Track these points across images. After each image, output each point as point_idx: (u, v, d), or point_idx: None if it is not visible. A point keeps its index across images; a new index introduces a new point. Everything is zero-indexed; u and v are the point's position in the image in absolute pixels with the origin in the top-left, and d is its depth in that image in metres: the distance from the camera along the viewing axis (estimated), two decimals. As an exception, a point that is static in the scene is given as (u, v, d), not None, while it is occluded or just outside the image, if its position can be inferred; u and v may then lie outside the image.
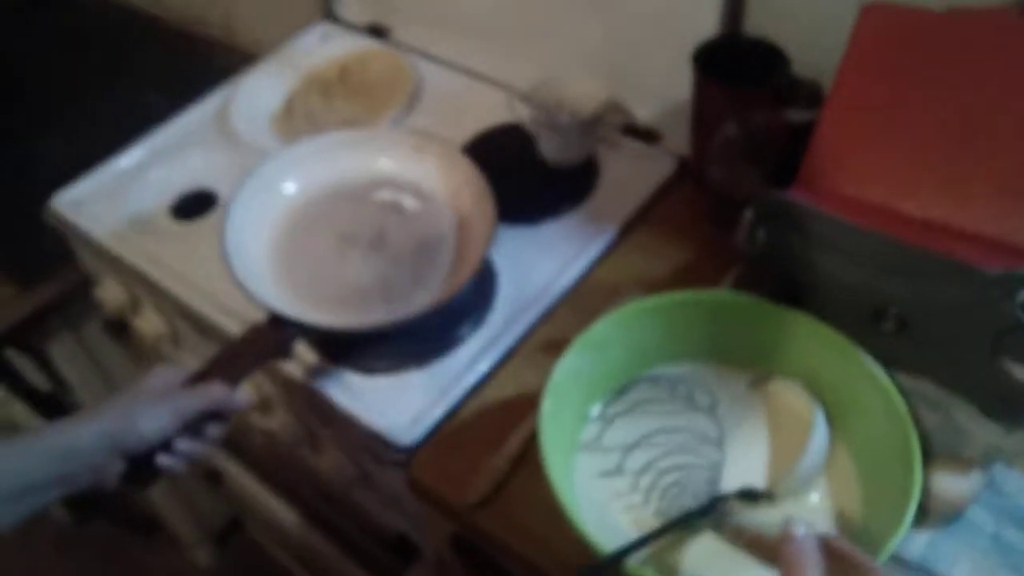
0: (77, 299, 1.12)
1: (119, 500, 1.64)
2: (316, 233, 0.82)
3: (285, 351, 0.73)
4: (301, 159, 0.85)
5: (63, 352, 1.19)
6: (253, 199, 0.81)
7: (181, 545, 1.62)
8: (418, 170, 0.84)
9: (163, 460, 0.64)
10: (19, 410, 1.41)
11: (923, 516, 0.58)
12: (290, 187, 0.84)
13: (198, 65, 1.38)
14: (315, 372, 0.78)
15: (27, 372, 1.31)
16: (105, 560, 1.69)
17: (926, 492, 0.59)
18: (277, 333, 0.71)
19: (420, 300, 0.76)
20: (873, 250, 0.62)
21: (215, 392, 0.66)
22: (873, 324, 0.64)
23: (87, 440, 0.61)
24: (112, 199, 0.99)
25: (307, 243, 0.81)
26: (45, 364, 1.23)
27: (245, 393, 0.68)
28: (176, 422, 0.63)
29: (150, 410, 0.63)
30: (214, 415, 0.66)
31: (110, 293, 1.03)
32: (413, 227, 0.81)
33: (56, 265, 1.12)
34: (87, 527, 1.71)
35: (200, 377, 0.67)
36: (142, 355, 1.12)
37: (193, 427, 0.65)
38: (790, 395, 0.67)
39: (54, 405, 1.37)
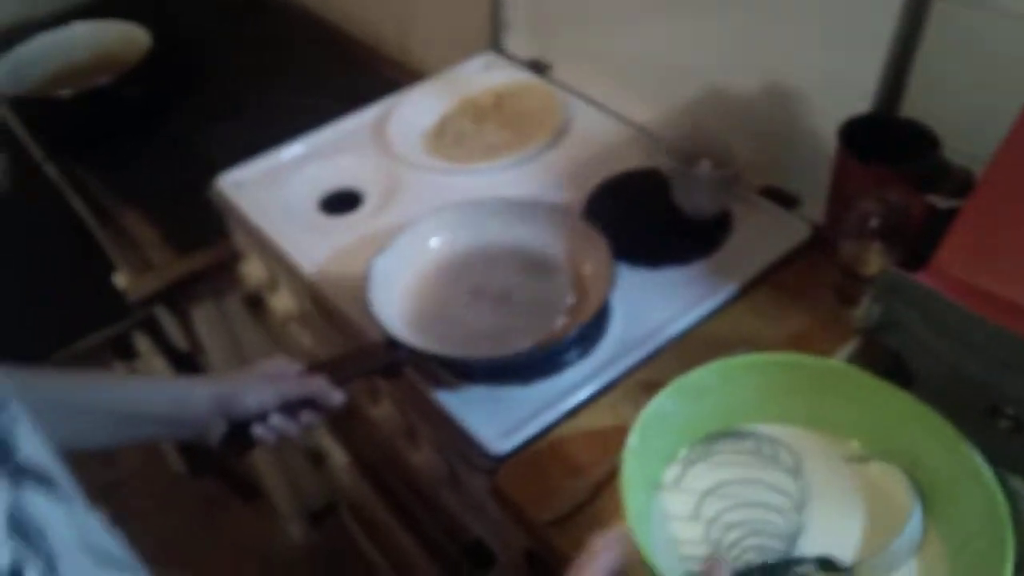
0: (224, 271, 1.22)
1: (231, 460, 1.74)
2: (450, 284, 0.90)
3: (394, 371, 0.81)
4: (453, 218, 0.93)
5: (204, 317, 1.29)
6: (403, 248, 0.90)
7: (278, 516, 1.70)
8: (550, 238, 0.91)
9: (258, 430, 0.74)
10: (158, 364, 1.53)
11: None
12: (435, 242, 0.93)
13: (371, 78, 1.48)
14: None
15: (171, 330, 1.43)
16: (208, 513, 1.81)
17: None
18: (390, 353, 0.79)
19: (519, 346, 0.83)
20: (997, 344, 0.60)
21: (317, 385, 0.75)
22: (986, 420, 0.62)
23: (199, 395, 0.72)
24: (269, 186, 1.08)
25: (440, 291, 0.89)
26: (187, 326, 1.33)
27: (341, 394, 0.76)
28: (277, 401, 0.73)
29: (257, 387, 0.73)
30: (311, 404, 0.75)
31: (252, 270, 1.12)
32: (537, 289, 0.88)
33: (211, 238, 1.22)
34: (199, 478, 1.83)
35: (311, 370, 0.76)
36: (271, 330, 1.20)
37: (291, 410, 0.74)
38: (889, 479, 0.66)
39: (188, 364, 1.48)
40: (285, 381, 0.74)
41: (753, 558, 0.62)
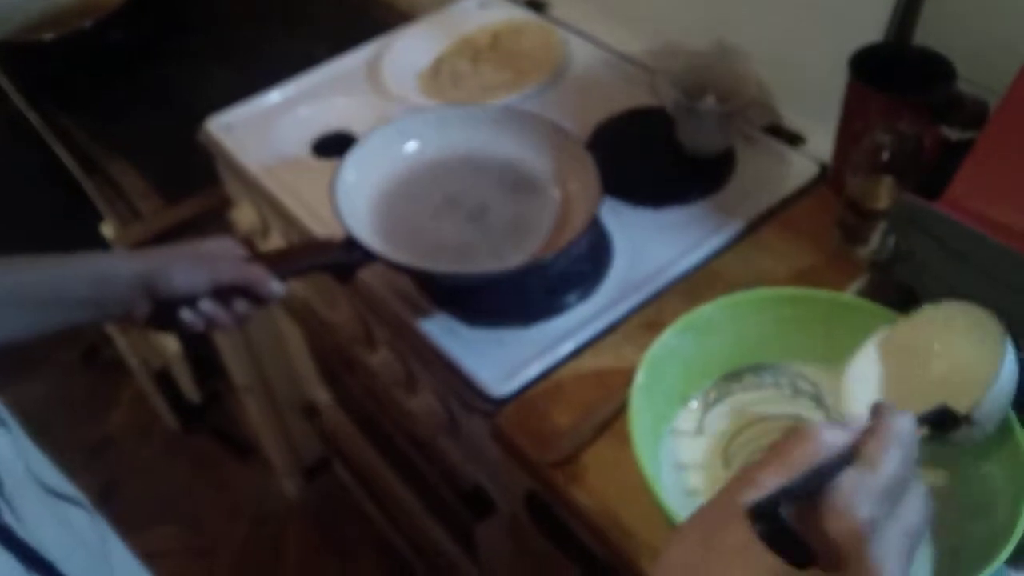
0: (214, 219, 1.18)
1: (223, 417, 1.73)
2: (425, 190, 0.85)
3: (346, 271, 0.76)
4: (435, 122, 0.88)
5: (195, 268, 1.26)
6: (376, 147, 0.85)
7: (272, 471, 1.69)
8: (536, 155, 0.86)
9: (184, 314, 0.68)
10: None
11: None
12: (412, 146, 0.87)
13: (362, 20, 1.44)
14: (423, 314, 0.80)
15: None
16: (203, 470, 1.80)
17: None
18: (345, 252, 0.74)
19: (487, 267, 0.79)
20: (1015, 272, 0.58)
21: (253, 272, 0.70)
22: (1002, 352, 0.61)
23: (123, 274, 0.66)
24: (260, 129, 1.05)
25: (414, 197, 0.84)
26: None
27: (280, 285, 0.71)
28: (207, 285, 0.68)
29: (188, 266, 0.68)
30: (247, 293, 0.70)
31: (244, 216, 1.09)
32: (518, 208, 0.83)
33: (201, 186, 1.19)
34: (191, 435, 1.82)
35: (254, 258, 0.71)
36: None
37: (224, 296, 0.69)
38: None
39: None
40: (220, 264, 0.69)
41: None
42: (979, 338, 0.58)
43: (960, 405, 0.54)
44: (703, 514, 0.41)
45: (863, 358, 0.62)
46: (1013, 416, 0.57)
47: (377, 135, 0.85)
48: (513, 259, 0.78)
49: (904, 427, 0.42)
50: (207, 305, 0.69)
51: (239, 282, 0.69)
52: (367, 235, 0.77)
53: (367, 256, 0.75)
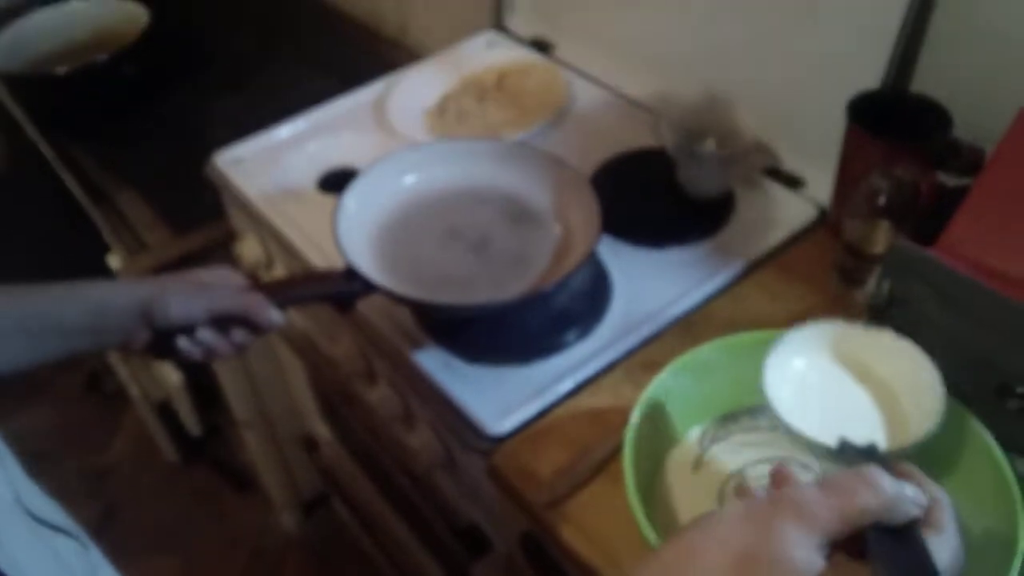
0: (219, 252, 1.20)
1: (223, 449, 1.73)
2: (428, 222, 0.85)
3: (346, 302, 0.77)
4: (430, 156, 0.89)
5: (199, 300, 1.27)
6: (377, 179, 0.85)
7: (271, 505, 1.69)
8: (537, 188, 0.86)
9: (182, 342, 0.68)
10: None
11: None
12: (411, 178, 0.88)
13: (370, 58, 1.46)
14: (422, 350, 0.81)
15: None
16: (202, 502, 1.79)
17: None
18: (345, 282, 0.74)
19: (487, 297, 0.79)
20: (1009, 320, 0.59)
21: (251, 301, 0.69)
22: (996, 400, 0.61)
23: (120, 303, 0.66)
24: (268, 163, 1.06)
25: (418, 225, 0.85)
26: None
27: (280, 315, 0.71)
28: (205, 314, 0.68)
29: (185, 295, 0.68)
30: (246, 322, 0.70)
31: (248, 249, 1.10)
32: (519, 241, 0.83)
33: (207, 219, 1.20)
34: (191, 467, 1.82)
35: (253, 287, 0.71)
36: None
37: (223, 325, 0.69)
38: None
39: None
40: (218, 292, 0.69)
41: None
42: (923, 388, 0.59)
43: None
44: (732, 529, 0.41)
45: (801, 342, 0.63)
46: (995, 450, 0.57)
47: (378, 167, 0.86)
48: (513, 290, 0.79)
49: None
50: (205, 334, 0.69)
51: (237, 311, 0.69)
52: (368, 266, 0.77)
53: (367, 287, 0.74)
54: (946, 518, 0.45)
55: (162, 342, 0.68)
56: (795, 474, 0.46)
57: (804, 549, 0.40)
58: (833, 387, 0.62)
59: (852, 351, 0.63)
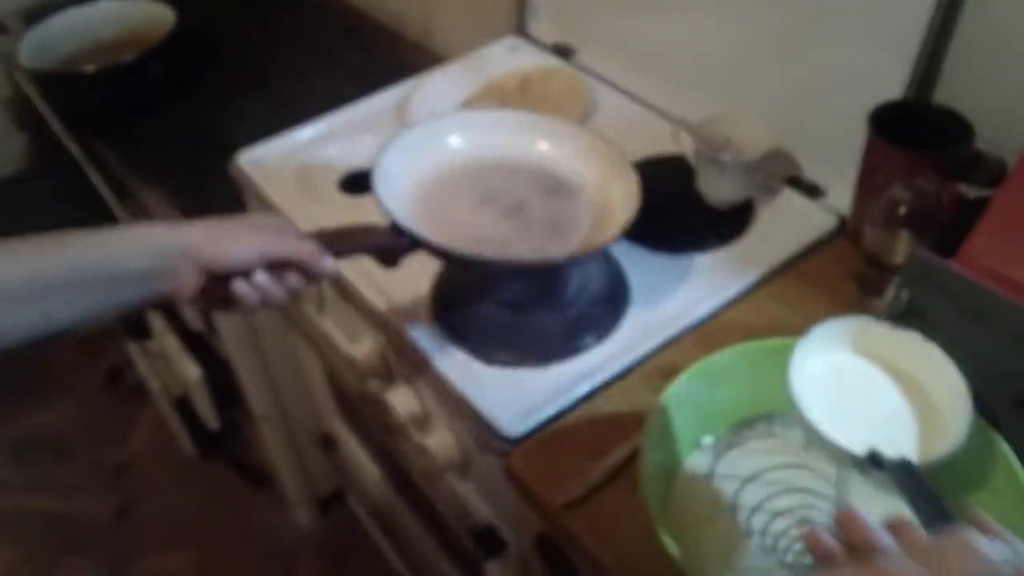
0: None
1: (240, 445, 1.75)
2: (463, 186, 0.85)
3: (394, 256, 0.76)
4: (477, 123, 0.89)
5: (220, 297, 1.29)
6: (421, 137, 0.86)
7: (286, 502, 1.70)
8: (582, 164, 0.86)
9: (240, 286, 0.66)
10: (172, 343, 1.53)
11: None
12: (455, 141, 0.88)
13: (394, 62, 1.47)
14: (440, 351, 0.82)
15: (185, 310, 1.43)
16: (218, 497, 1.81)
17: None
18: (392, 237, 0.74)
19: (531, 256, 0.79)
20: (1026, 331, 0.59)
21: (307, 247, 0.68)
22: (1014, 411, 0.61)
23: (177, 243, 0.63)
24: (289, 164, 1.07)
25: (451, 190, 0.84)
26: (219, 310, 1.32)
27: (332, 261, 0.70)
28: (262, 258, 0.66)
29: (243, 238, 0.65)
30: (300, 269, 0.69)
31: (272, 248, 1.11)
32: (554, 210, 0.83)
33: (230, 215, 1.21)
34: (208, 462, 1.84)
35: (306, 235, 0.70)
36: (287, 311, 1.19)
37: (277, 271, 0.67)
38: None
39: (201, 344, 1.48)
40: (273, 236, 0.67)
41: (804, 546, 0.60)
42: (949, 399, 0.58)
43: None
44: None
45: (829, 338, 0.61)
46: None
47: (422, 128, 0.86)
48: (554, 252, 0.79)
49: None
50: (262, 278, 0.67)
51: (292, 256, 0.68)
52: (410, 223, 0.76)
53: (414, 242, 0.74)
54: None
55: (216, 288, 0.66)
56: (875, 535, 0.43)
57: None
58: (862, 386, 0.60)
59: (879, 350, 0.61)
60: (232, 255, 0.64)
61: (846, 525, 0.44)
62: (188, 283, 0.64)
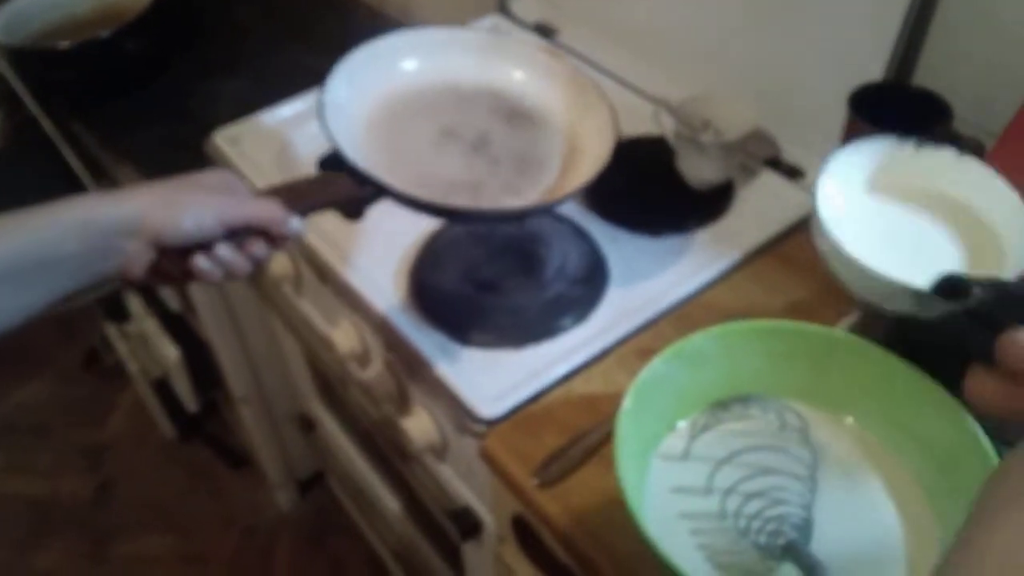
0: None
1: (219, 427, 1.74)
2: (420, 119, 0.78)
3: (357, 208, 0.70)
4: (434, 43, 0.82)
5: (197, 278, 1.27)
6: (371, 62, 0.78)
7: (266, 484, 1.69)
8: (543, 89, 0.80)
9: (201, 261, 0.58)
10: (151, 325, 1.52)
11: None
12: (410, 64, 0.80)
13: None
14: (417, 332, 0.81)
15: (163, 292, 1.41)
16: (198, 479, 1.80)
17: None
18: (353, 187, 0.67)
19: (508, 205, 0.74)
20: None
21: (270, 208, 0.60)
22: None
23: (115, 217, 0.55)
24: (267, 142, 1.06)
25: (408, 125, 0.77)
26: (179, 287, 1.31)
27: (299, 222, 0.62)
28: (220, 226, 0.58)
29: (196, 205, 0.57)
30: (263, 234, 0.61)
31: (249, 228, 1.10)
32: (520, 141, 0.77)
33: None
34: (187, 444, 1.83)
35: (264, 194, 0.63)
36: (264, 291, 1.18)
37: (238, 239, 0.60)
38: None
39: (180, 326, 1.46)
40: (229, 199, 0.58)
41: (776, 528, 0.61)
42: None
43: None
44: None
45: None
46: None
47: (369, 48, 0.79)
48: (529, 194, 0.72)
49: None
50: (225, 251, 0.59)
51: (254, 221, 0.59)
52: (370, 167, 0.68)
53: (379, 190, 0.67)
54: None
55: (171, 262, 0.58)
56: None
57: None
58: (897, 221, 0.54)
59: (907, 176, 0.56)
60: (184, 226, 0.56)
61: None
62: (137, 261, 0.57)
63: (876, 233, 0.53)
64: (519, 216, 0.74)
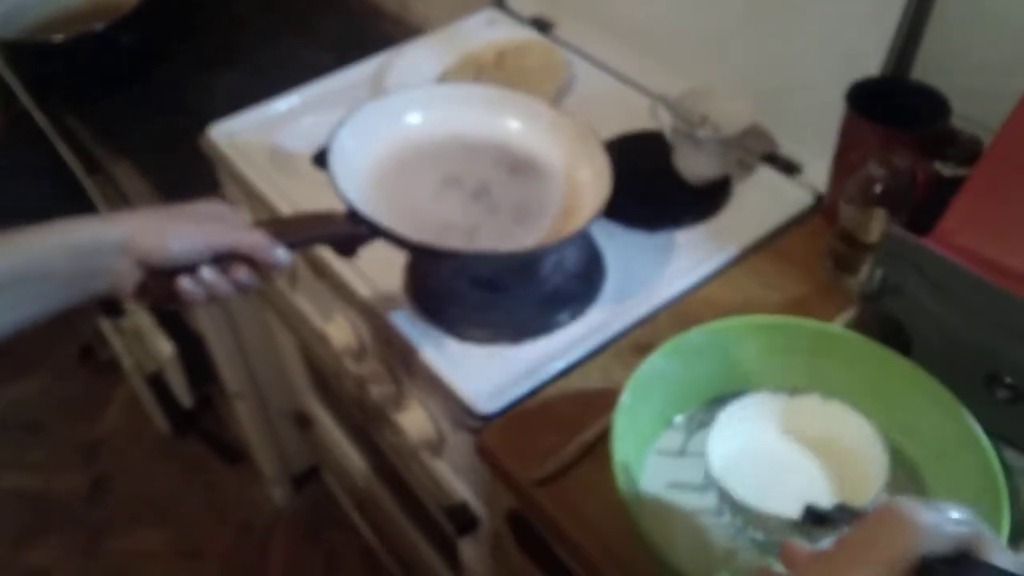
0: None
1: (214, 422, 1.73)
2: (423, 167, 0.81)
3: (350, 246, 0.72)
4: (436, 98, 0.85)
5: (192, 272, 1.27)
6: (378, 115, 0.82)
7: (261, 479, 1.69)
8: (544, 140, 0.84)
9: (185, 283, 0.61)
10: (145, 321, 1.51)
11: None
12: (415, 118, 0.84)
13: (370, 33, 1.45)
14: (413, 328, 0.81)
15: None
16: (193, 474, 1.80)
17: None
18: (350, 226, 0.70)
19: (498, 247, 0.76)
20: (999, 309, 0.59)
21: (255, 237, 0.64)
22: (985, 389, 0.61)
23: (107, 239, 0.58)
24: (262, 136, 1.05)
25: (412, 173, 0.81)
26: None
27: (285, 252, 0.65)
28: (206, 251, 0.61)
29: (184, 229, 0.61)
30: (249, 261, 0.64)
31: (244, 223, 1.09)
32: (520, 190, 0.80)
33: (202, 191, 1.19)
34: (182, 439, 1.82)
35: (254, 225, 0.66)
36: (260, 287, 1.18)
37: (224, 264, 0.63)
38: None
39: (175, 321, 1.46)
40: (218, 227, 0.62)
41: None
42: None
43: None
44: None
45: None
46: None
47: (376, 105, 0.82)
48: (524, 241, 0.75)
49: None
50: (207, 273, 0.62)
51: (241, 248, 0.63)
52: (369, 209, 0.72)
53: (373, 230, 0.70)
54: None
55: (159, 283, 0.61)
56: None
57: None
58: (775, 457, 0.64)
59: (790, 420, 0.65)
60: (171, 249, 0.60)
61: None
62: (126, 280, 0.60)
63: (767, 465, 0.64)
64: (504, 259, 0.76)
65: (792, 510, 0.53)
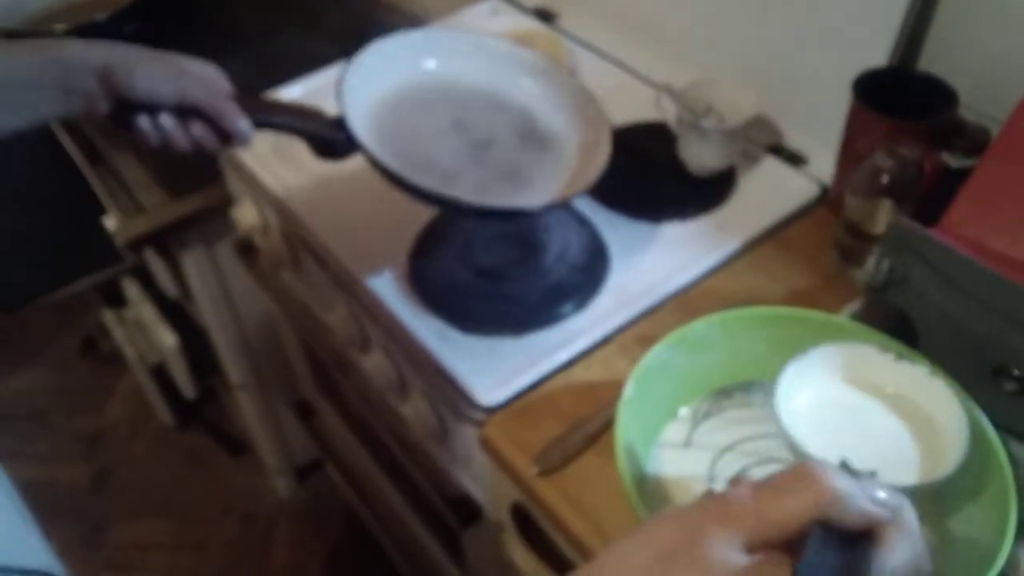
0: (216, 217, 1.19)
1: (217, 414, 1.73)
2: (443, 107, 0.82)
3: (327, 150, 0.74)
4: (457, 46, 0.85)
5: (194, 263, 1.27)
6: (395, 54, 0.82)
7: (264, 471, 1.69)
8: (569, 122, 0.84)
9: (142, 121, 0.65)
10: (147, 311, 1.51)
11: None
12: (431, 64, 0.84)
13: (372, 23, 1.45)
14: (416, 319, 0.80)
15: (160, 277, 1.40)
16: (196, 466, 1.80)
17: (1012, 565, 0.55)
18: (330, 130, 0.72)
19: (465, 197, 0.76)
20: (1006, 300, 0.58)
21: (223, 102, 0.67)
22: (992, 381, 0.61)
23: (81, 59, 0.63)
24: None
25: (428, 108, 0.81)
26: (177, 272, 1.31)
27: (248, 125, 0.68)
28: (171, 98, 0.65)
29: (155, 71, 0.64)
30: (211, 120, 0.67)
31: (245, 214, 1.09)
32: (519, 157, 0.81)
33: (204, 182, 1.19)
34: (186, 431, 1.82)
35: (233, 94, 0.69)
36: (262, 276, 1.17)
37: (188, 118, 0.66)
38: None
39: (177, 312, 1.46)
40: (192, 82, 0.65)
41: None
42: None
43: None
44: (660, 530, 0.39)
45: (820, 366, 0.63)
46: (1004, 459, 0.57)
47: (398, 43, 0.82)
48: (496, 201, 0.76)
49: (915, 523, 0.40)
50: (166, 119, 0.66)
51: (206, 107, 0.66)
52: (360, 126, 0.73)
53: (350, 142, 0.72)
54: (900, 542, 0.38)
55: (123, 117, 0.65)
56: (749, 477, 0.42)
57: (722, 548, 0.37)
58: (855, 415, 0.62)
59: (870, 376, 0.63)
60: (136, 86, 0.63)
61: (733, 480, 0.43)
62: (98, 105, 0.64)
63: (845, 421, 0.62)
64: (466, 209, 0.74)
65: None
